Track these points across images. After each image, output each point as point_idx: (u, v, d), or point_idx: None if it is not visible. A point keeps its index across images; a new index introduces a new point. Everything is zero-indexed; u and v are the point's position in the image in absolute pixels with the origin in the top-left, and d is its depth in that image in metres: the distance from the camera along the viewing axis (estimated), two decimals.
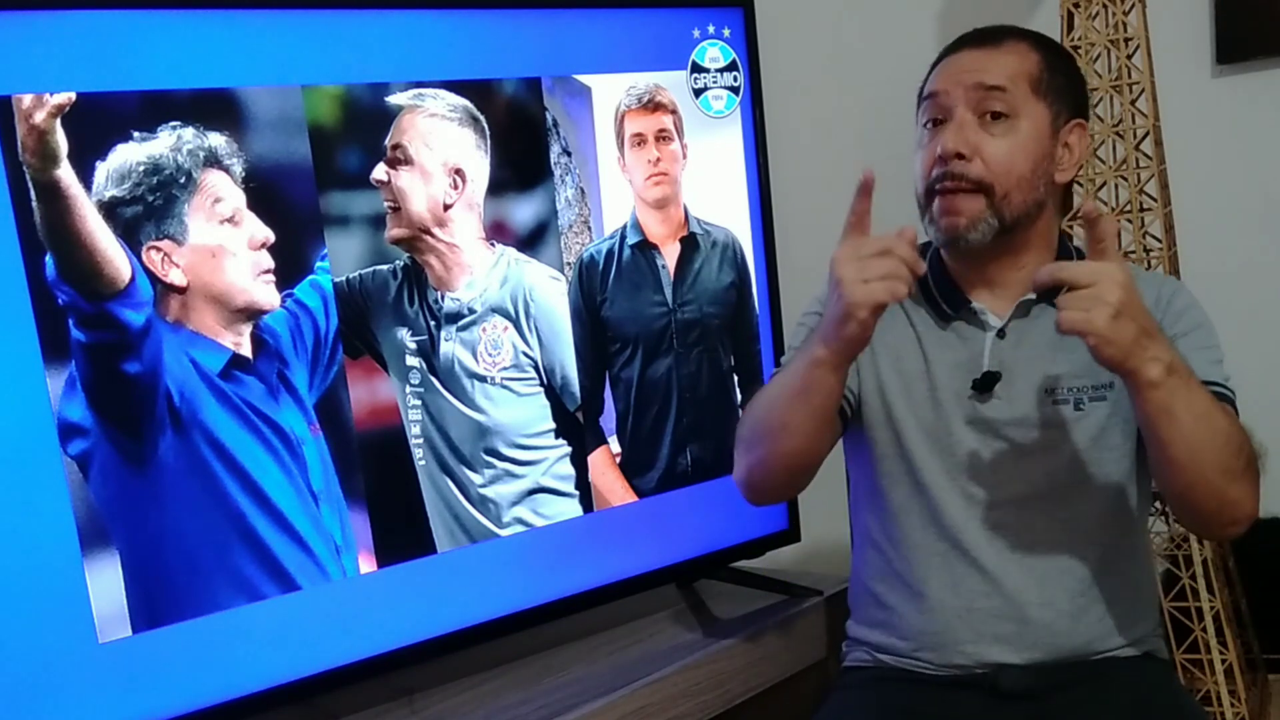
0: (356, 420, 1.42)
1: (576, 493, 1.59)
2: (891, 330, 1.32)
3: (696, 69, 1.68)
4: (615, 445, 1.63)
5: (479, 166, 1.49)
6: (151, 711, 1.29)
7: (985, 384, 1.27)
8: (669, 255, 1.66)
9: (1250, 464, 1.17)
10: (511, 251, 1.53)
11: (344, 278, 1.40)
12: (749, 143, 1.74)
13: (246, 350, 1.34)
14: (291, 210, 1.36)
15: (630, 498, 1.65)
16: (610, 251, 1.61)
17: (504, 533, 1.53)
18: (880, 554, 1.35)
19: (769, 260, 1.77)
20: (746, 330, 1.74)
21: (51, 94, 1.19)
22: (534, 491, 1.55)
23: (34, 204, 1.18)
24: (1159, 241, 1.78)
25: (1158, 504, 1.68)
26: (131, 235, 1.24)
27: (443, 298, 1.47)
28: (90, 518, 1.24)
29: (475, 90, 1.48)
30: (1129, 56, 1.73)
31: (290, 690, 1.38)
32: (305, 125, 1.35)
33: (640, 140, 1.63)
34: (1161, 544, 1.77)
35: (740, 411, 1.74)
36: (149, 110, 1.25)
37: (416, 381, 1.46)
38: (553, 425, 1.57)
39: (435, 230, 1.46)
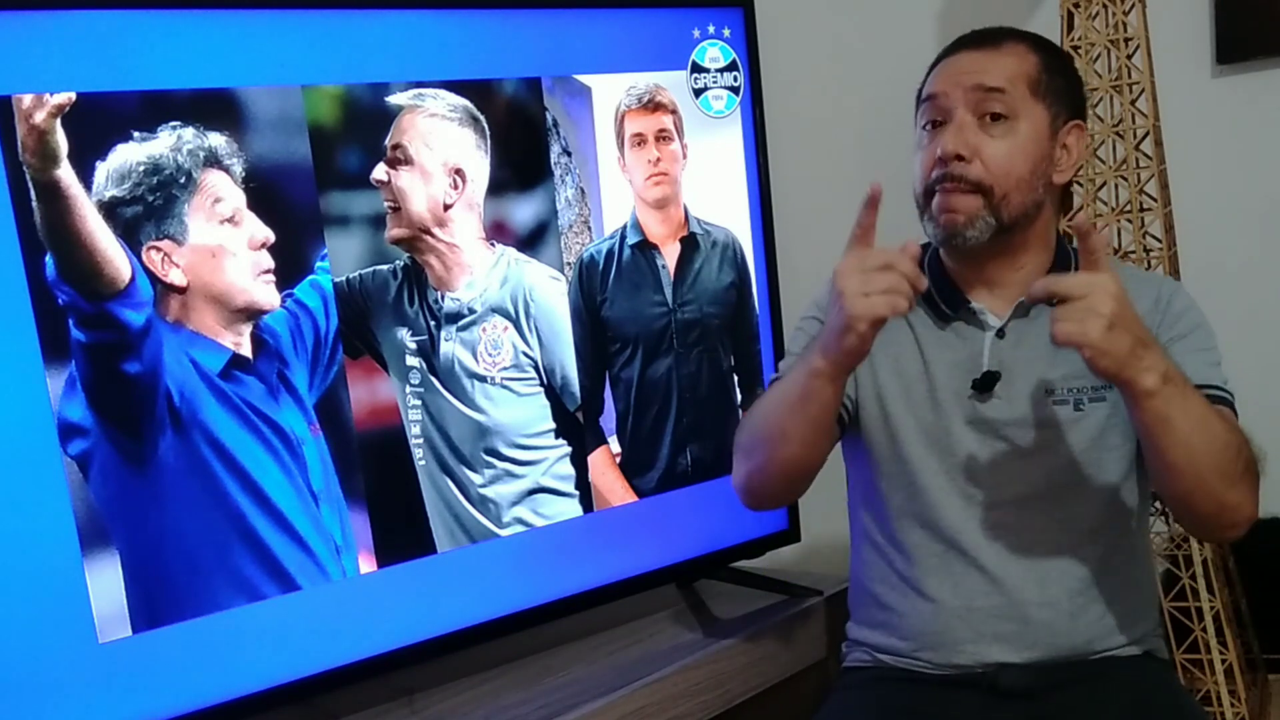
0: (356, 420, 1.42)
1: (576, 493, 1.59)
2: (889, 332, 1.32)
3: (696, 69, 1.68)
4: (615, 445, 1.63)
5: (479, 166, 1.49)
6: (151, 711, 1.29)
7: (985, 384, 1.27)
8: (669, 255, 1.66)
9: (1248, 468, 1.17)
10: (511, 251, 1.53)
11: (344, 278, 1.40)
12: (749, 143, 1.74)
13: (246, 350, 1.34)
14: (291, 210, 1.36)
15: (630, 498, 1.65)
16: (610, 251, 1.61)
17: (504, 533, 1.53)
18: (879, 555, 1.35)
19: (769, 260, 1.77)
20: (746, 330, 1.74)
21: (51, 94, 1.19)
22: (534, 491, 1.55)
23: (34, 204, 1.18)
24: (1159, 241, 1.78)
25: (1158, 504, 1.67)
26: (131, 235, 1.24)
27: (443, 298, 1.48)
28: (90, 518, 1.24)
29: (475, 90, 1.48)
30: (1129, 56, 1.73)
31: (290, 690, 1.38)
32: (305, 125, 1.35)
33: (640, 140, 1.63)
34: (1161, 544, 1.77)
35: (740, 412, 1.74)
36: (149, 110, 1.25)
37: (416, 381, 1.46)
38: (553, 425, 1.57)
39: (435, 230, 1.46)
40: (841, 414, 1.32)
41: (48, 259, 1.19)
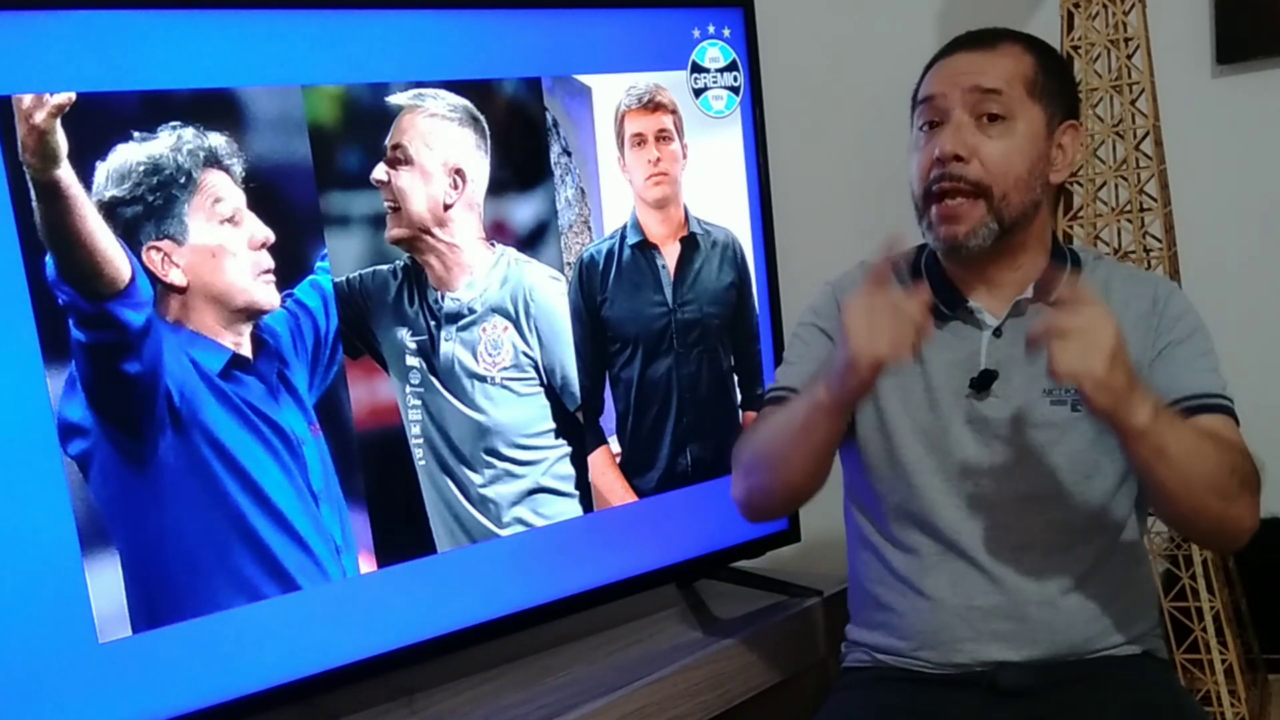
0: (356, 420, 1.42)
1: (576, 493, 1.59)
2: None
3: (696, 69, 1.68)
4: (615, 445, 1.63)
5: (479, 166, 1.49)
6: (151, 711, 1.29)
7: (983, 382, 1.28)
8: (669, 255, 1.66)
9: (1245, 482, 1.19)
10: (511, 251, 1.53)
11: (344, 278, 1.40)
12: (749, 143, 1.74)
13: (246, 350, 1.34)
14: (291, 210, 1.36)
15: (630, 498, 1.65)
16: (610, 251, 1.62)
17: (504, 533, 1.53)
18: (876, 556, 1.35)
19: (769, 260, 1.77)
20: (746, 330, 1.74)
21: (51, 94, 1.19)
22: (534, 491, 1.55)
23: (34, 204, 1.18)
24: (1159, 241, 1.78)
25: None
26: (131, 235, 1.25)
27: (443, 298, 1.48)
28: (90, 518, 1.24)
29: (475, 90, 1.48)
30: (1129, 56, 1.73)
31: (290, 690, 1.38)
32: (305, 125, 1.35)
33: (640, 140, 1.63)
34: (1161, 544, 1.77)
35: (740, 413, 1.74)
36: (149, 110, 1.25)
37: (416, 381, 1.46)
38: (553, 425, 1.57)
39: (435, 230, 1.46)
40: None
41: (48, 259, 1.19)
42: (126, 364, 1.25)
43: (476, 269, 1.50)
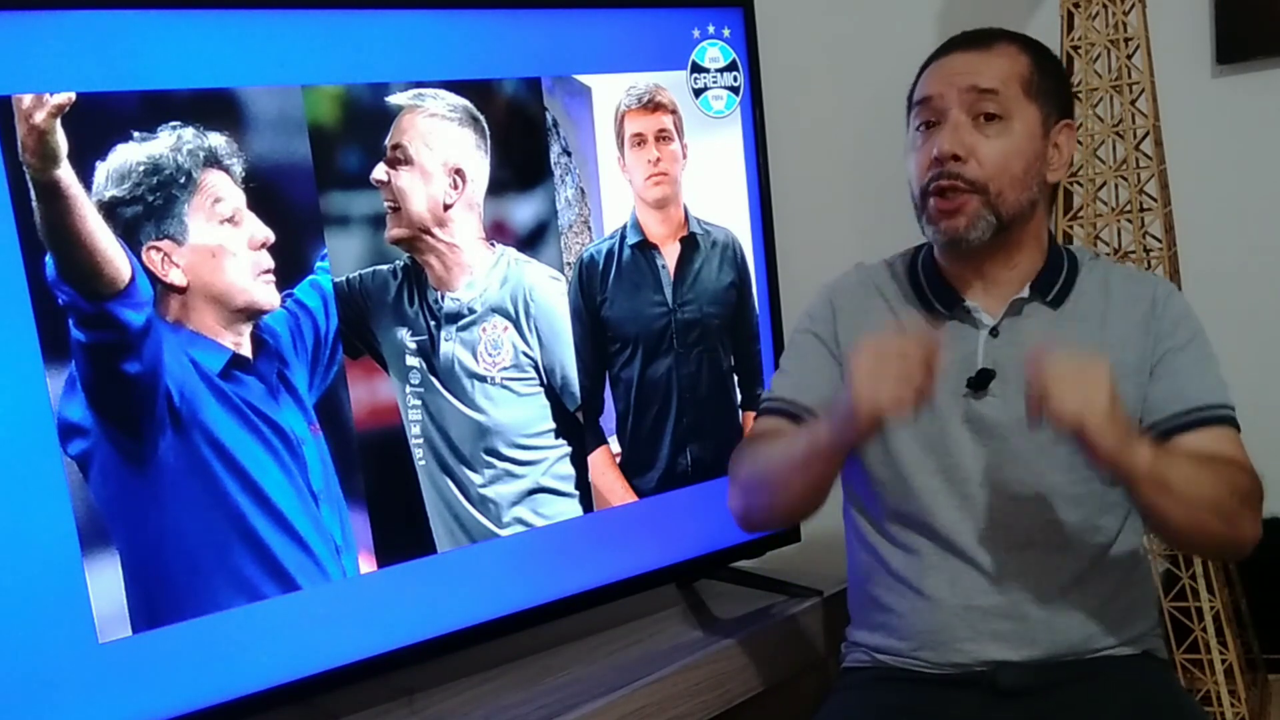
0: (356, 420, 1.42)
1: (576, 493, 1.59)
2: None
3: (696, 69, 1.68)
4: (615, 445, 1.63)
5: (479, 166, 1.49)
6: (151, 711, 1.29)
7: (980, 382, 1.28)
8: (669, 255, 1.66)
9: (1248, 498, 1.20)
10: (511, 251, 1.53)
11: (344, 278, 1.40)
12: (749, 143, 1.74)
13: (246, 350, 1.34)
14: (291, 210, 1.36)
15: (630, 498, 1.65)
16: (610, 251, 1.62)
17: (504, 533, 1.53)
18: (876, 556, 1.35)
19: (769, 260, 1.77)
20: (746, 330, 1.74)
21: (51, 94, 1.19)
22: (534, 491, 1.55)
23: (34, 204, 1.18)
24: (1159, 241, 1.78)
25: None
26: (131, 235, 1.25)
27: (443, 298, 1.48)
28: (90, 518, 1.24)
29: (475, 90, 1.48)
30: (1129, 56, 1.73)
31: (290, 690, 1.38)
32: (305, 125, 1.35)
33: (640, 140, 1.63)
34: (1161, 544, 1.77)
35: (740, 414, 1.74)
36: (149, 110, 1.25)
37: (416, 381, 1.46)
38: (553, 425, 1.57)
39: (435, 230, 1.46)
40: None
41: (48, 259, 1.19)
42: (126, 364, 1.25)
43: (476, 269, 1.50)
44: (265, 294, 1.34)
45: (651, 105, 1.64)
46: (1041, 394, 1.08)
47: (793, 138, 1.98)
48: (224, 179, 1.30)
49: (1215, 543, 1.20)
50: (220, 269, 1.30)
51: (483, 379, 1.51)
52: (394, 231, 1.43)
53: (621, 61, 1.61)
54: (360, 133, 1.40)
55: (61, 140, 1.19)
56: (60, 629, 1.23)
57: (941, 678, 1.30)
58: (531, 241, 1.54)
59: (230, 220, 1.31)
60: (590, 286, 1.60)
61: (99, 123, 1.22)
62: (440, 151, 1.45)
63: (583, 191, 1.59)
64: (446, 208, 1.46)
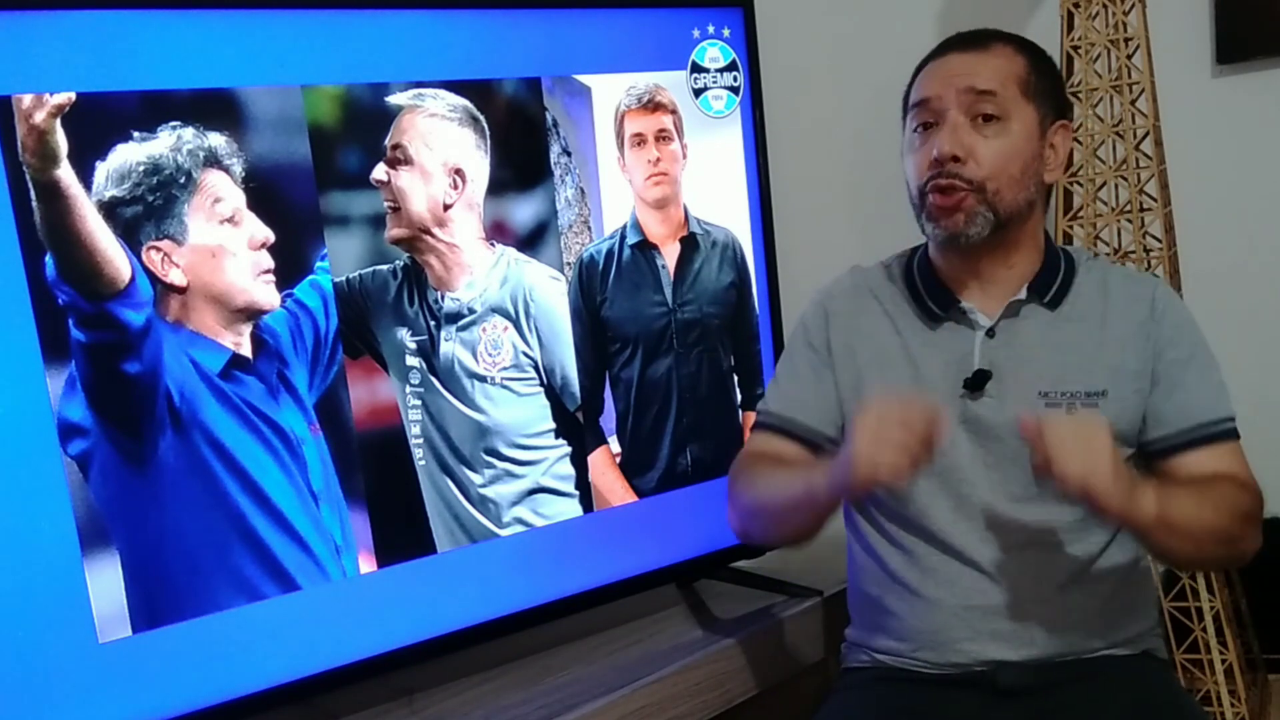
0: (356, 420, 1.42)
1: (576, 493, 1.59)
2: (874, 339, 1.34)
3: (696, 69, 1.68)
4: (615, 445, 1.63)
5: (479, 166, 1.49)
6: (151, 711, 1.29)
7: (977, 382, 1.28)
8: (669, 255, 1.66)
9: (1250, 517, 1.22)
10: (511, 251, 1.53)
11: (344, 278, 1.40)
12: (749, 143, 1.74)
13: (246, 350, 1.34)
14: (291, 210, 1.36)
15: (630, 498, 1.65)
16: (610, 251, 1.62)
17: (504, 533, 1.53)
18: (874, 558, 1.35)
19: (769, 260, 1.77)
20: (746, 330, 1.74)
21: (51, 94, 1.19)
22: (534, 491, 1.55)
23: (34, 204, 1.18)
24: (1159, 241, 1.78)
25: None
26: (131, 235, 1.25)
27: (443, 298, 1.48)
28: (90, 518, 1.24)
29: (475, 90, 1.48)
30: (1129, 56, 1.73)
31: (290, 690, 1.38)
32: (305, 125, 1.35)
33: (640, 140, 1.63)
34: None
35: (740, 414, 1.74)
36: (149, 110, 1.25)
37: (416, 381, 1.46)
38: (553, 425, 1.57)
39: (435, 230, 1.46)
40: (827, 446, 1.36)
41: (48, 259, 1.19)
42: (126, 364, 1.25)
43: (476, 269, 1.50)
44: (265, 294, 1.34)
45: (651, 105, 1.64)
46: (1045, 459, 1.09)
47: (793, 138, 1.98)
48: (224, 179, 1.30)
49: (1218, 563, 1.25)
50: (220, 269, 1.31)
51: (483, 379, 1.51)
52: (394, 231, 1.43)
53: (621, 61, 1.61)
54: (360, 133, 1.40)
55: (61, 140, 1.19)
56: (60, 629, 1.23)
57: (941, 678, 1.30)
58: (531, 241, 1.54)
59: (230, 220, 1.31)
60: (590, 286, 1.60)
61: (99, 123, 1.22)
62: (440, 151, 1.45)
63: (583, 191, 1.59)
64: (446, 208, 1.46)
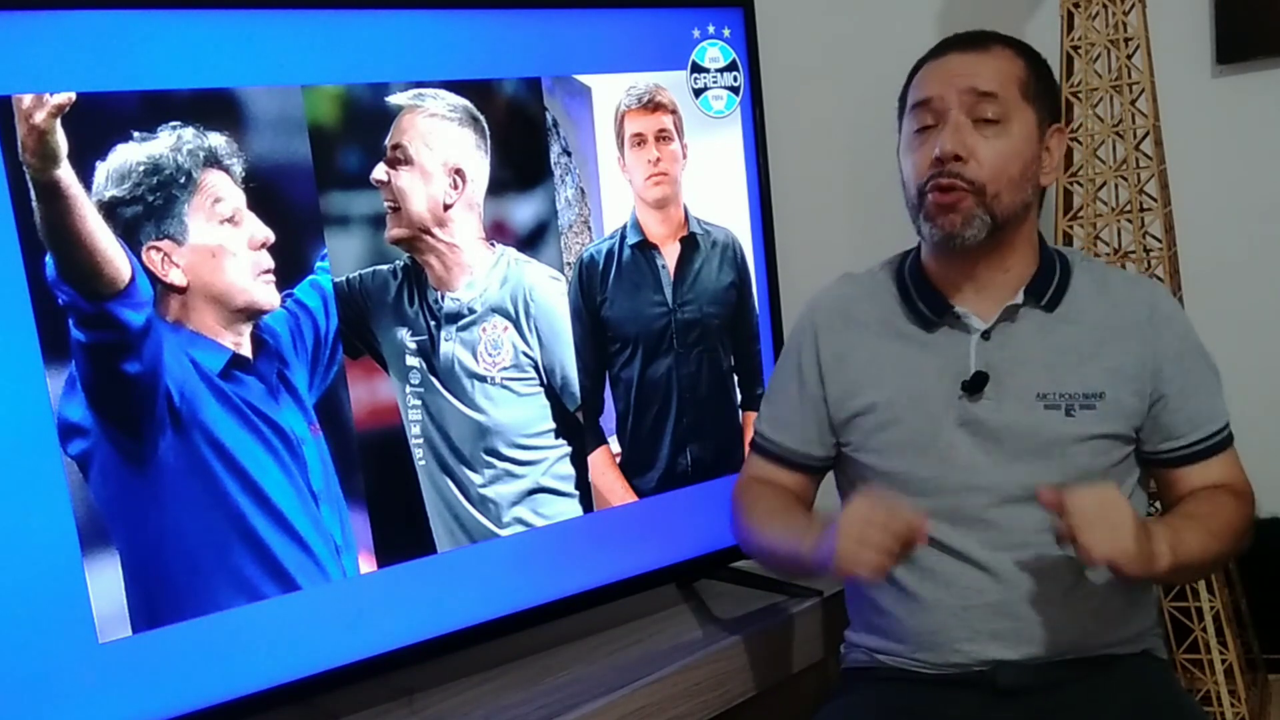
0: (356, 420, 1.42)
1: (576, 493, 1.59)
2: (867, 347, 1.34)
3: (696, 69, 1.68)
4: (615, 445, 1.63)
5: (479, 166, 1.49)
6: (151, 711, 1.29)
7: (974, 385, 1.28)
8: (669, 255, 1.66)
9: (1246, 523, 1.29)
10: (511, 251, 1.53)
11: (344, 278, 1.40)
12: (749, 143, 1.74)
13: (246, 350, 1.34)
14: (291, 210, 1.36)
15: (630, 498, 1.65)
16: (610, 251, 1.62)
17: (504, 533, 1.53)
18: None
19: (769, 260, 1.77)
20: (746, 330, 1.74)
21: (51, 94, 1.19)
22: (534, 491, 1.55)
23: (34, 204, 1.18)
24: (1159, 241, 1.78)
25: (1157, 505, 1.68)
26: (131, 235, 1.25)
27: (443, 298, 1.48)
28: (90, 518, 1.24)
29: (475, 90, 1.48)
30: (1129, 56, 1.73)
31: (290, 690, 1.38)
32: (305, 125, 1.35)
33: (640, 140, 1.63)
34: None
35: (740, 414, 1.74)
36: (149, 110, 1.25)
37: (416, 381, 1.46)
38: (553, 425, 1.57)
39: (435, 230, 1.46)
40: (818, 465, 1.42)
41: (48, 259, 1.19)
42: (126, 364, 1.25)
43: (476, 269, 1.50)
44: (265, 294, 1.34)
45: (651, 105, 1.64)
46: (1069, 536, 1.13)
47: (793, 138, 1.98)
48: (224, 179, 1.30)
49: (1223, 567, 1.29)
50: (220, 269, 1.31)
51: (483, 379, 1.51)
52: (394, 231, 1.43)
53: (621, 61, 1.61)
54: (360, 133, 1.40)
55: (61, 140, 1.19)
56: (60, 629, 1.23)
57: (941, 678, 1.30)
58: (531, 241, 1.54)
59: (230, 220, 1.31)
60: (590, 286, 1.60)
61: (99, 123, 1.22)
62: (440, 151, 1.45)
63: (583, 191, 1.59)
64: (446, 208, 1.46)
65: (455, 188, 1.47)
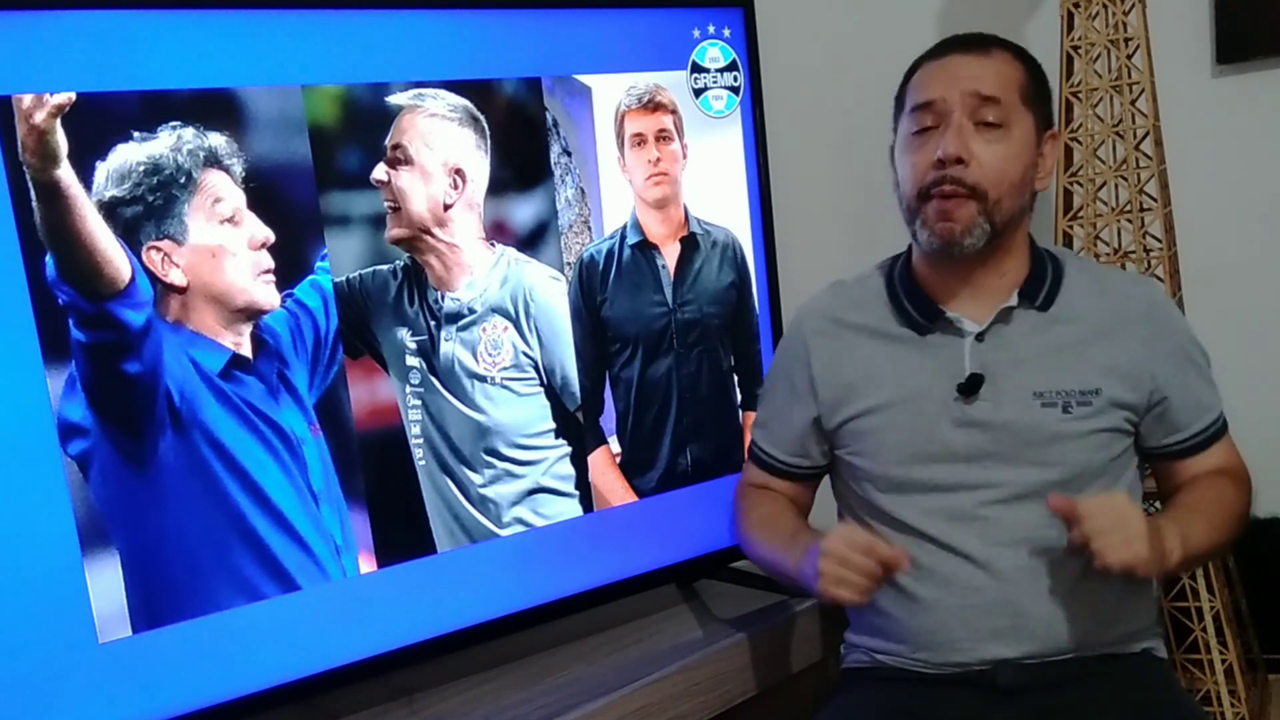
0: (356, 420, 1.42)
1: (576, 493, 1.59)
2: (859, 353, 1.35)
3: (696, 69, 1.68)
4: (615, 445, 1.63)
5: (479, 166, 1.49)
6: (151, 711, 1.29)
7: (970, 386, 1.28)
8: (669, 255, 1.66)
9: (1246, 503, 1.31)
10: (511, 251, 1.53)
11: (344, 278, 1.40)
12: (749, 143, 1.74)
13: (246, 350, 1.34)
14: (291, 210, 1.36)
15: (630, 498, 1.65)
16: (610, 251, 1.62)
17: (504, 533, 1.53)
18: None
19: (769, 260, 1.77)
20: (746, 330, 1.74)
21: (51, 94, 1.19)
22: (534, 491, 1.55)
23: (34, 204, 1.18)
24: (1159, 241, 1.78)
25: (1157, 505, 1.68)
26: (131, 235, 1.25)
27: (443, 298, 1.48)
28: (90, 518, 1.24)
29: (475, 90, 1.48)
30: (1129, 56, 1.73)
31: (290, 690, 1.38)
32: (305, 125, 1.35)
33: (640, 140, 1.63)
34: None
35: (740, 414, 1.74)
36: (149, 110, 1.25)
37: (416, 381, 1.46)
38: (553, 425, 1.57)
39: (435, 230, 1.46)
40: (813, 474, 1.45)
41: (48, 259, 1.19)
42: (126, 364, 1.25)
43: (476, 269, 1.50)
44: (265, 294, 1.34)
45: (651, 105, 1.64)
46: (1084, 546, 1.15)
47: (793, 138, 1.98)
48: (224, 179, 1.30)
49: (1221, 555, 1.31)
50: (220, 269, 1.30)
51: (483, 379, 1.51)
52: (394, 231, 1.43)
53: (621, 61, 1.61)
54: (360, 133, 1.40)
55: (61, 140, 1.19)
56: (60, 629, 1.23)
57: (941, 677, 1.30)
58: (531, 241, 1.54)
59: (230, 220, 1.31)
60: (590, 286, 1.60)
61: (99, 123, 1.22)
62: (440, 151, 1.45)
63: (583, 191, 1.59)
64: (446, 208, 1.46)
65: (455, 188, 1.47)
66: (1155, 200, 1.76)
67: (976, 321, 1.30)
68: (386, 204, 1.43)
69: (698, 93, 1.68)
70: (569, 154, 1.57)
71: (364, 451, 1.42)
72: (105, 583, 1.25)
